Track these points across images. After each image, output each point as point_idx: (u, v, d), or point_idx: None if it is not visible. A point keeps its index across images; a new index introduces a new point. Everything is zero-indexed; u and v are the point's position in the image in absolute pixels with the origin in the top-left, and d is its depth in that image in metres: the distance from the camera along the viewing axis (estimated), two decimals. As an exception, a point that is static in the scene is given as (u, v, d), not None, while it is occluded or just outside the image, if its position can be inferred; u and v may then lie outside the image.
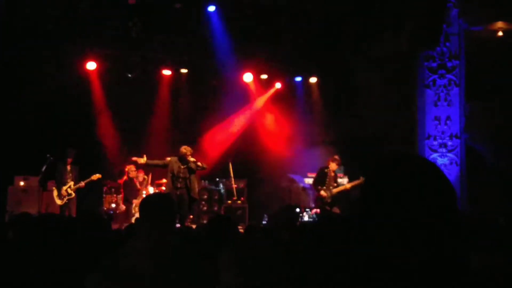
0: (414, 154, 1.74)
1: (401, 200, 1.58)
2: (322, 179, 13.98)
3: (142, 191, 15.29)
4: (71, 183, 14.04)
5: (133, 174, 15.29)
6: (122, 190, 15.48)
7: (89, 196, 14.65)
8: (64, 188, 13.96)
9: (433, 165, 1.68)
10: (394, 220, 1.57)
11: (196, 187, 13.53)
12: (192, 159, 13.15)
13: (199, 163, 13.23)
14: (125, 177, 15.40)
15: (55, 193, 14.11)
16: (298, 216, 13.37)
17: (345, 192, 13.98)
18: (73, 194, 14.07)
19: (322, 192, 13.77)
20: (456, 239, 1.59)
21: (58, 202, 13.99)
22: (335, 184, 13.96)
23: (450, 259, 1.57)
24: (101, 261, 3.23)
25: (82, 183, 14.09)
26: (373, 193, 1.65)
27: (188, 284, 3.23)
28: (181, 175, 13.18)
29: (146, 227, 3.44)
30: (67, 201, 13.99)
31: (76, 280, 3.24)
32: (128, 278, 3.11)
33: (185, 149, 13.23)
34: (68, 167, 14.10)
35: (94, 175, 14.36)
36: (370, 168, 1.73)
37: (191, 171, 13.20)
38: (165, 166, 13.41)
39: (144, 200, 3.68)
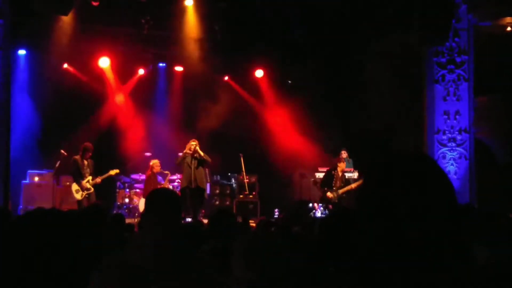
0: (412, 150, 1.75)
1: (400, 197, 1.59)
2: (328, 181, 14.15)
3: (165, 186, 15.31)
4: (89, 177, 13.95)
5: (157, 169, 15.35)
6: (144, 184, 15.44)
7: (102, 191, 14.66)
8: (83, 182, 13.94)
9: (431, 161, 1.68)
10: (393, 217, 1.59)
11: (203, 177, 13.68)
12: (194, 147, 13.34)
13: (202, 153, 13.41)
14: (148, 172, 15.48)
15: (74, 187, 14.08)
16: (309, 211, 13.54)
17: (352, 191, 14.09)
18: (92, 189, 13.93)
19: (329, 194, 13.95)
20: (457, 235, 1.61)
21: (77, 197, 13.86)
22: (342, 185, 14.10)
23: (451, 255, 1.59)
24: (106, 255, 3.21)
25: (98, 179, 13.99)
26: (372, 191, 1.67)
27: (190, 279, 3.17)
28: (193, 167, 13.39)
29: (150, 222, 3.43)
30: (86, 196, 13.88)
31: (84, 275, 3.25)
32: (131, 272, 3.08)
33: (190, 141, 13.50)
34: (86, 162, 14.05)
35: (112, 170, 14.30)
36: (369, 166, 1.74)
37: (199, 162, 13.43)
38: (180, 163, 13.67)
39: (149, 195, 3.64)
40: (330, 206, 14.10)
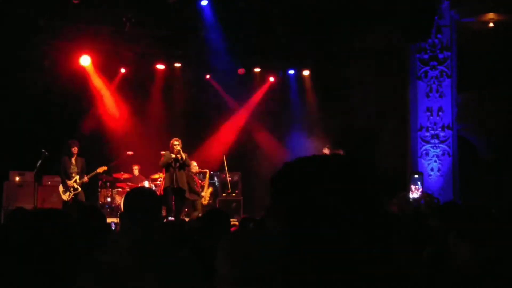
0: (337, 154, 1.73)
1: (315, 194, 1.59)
2: None
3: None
4: (77, 177, 13.75)
5: (196, 169, 15.22)
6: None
7: (84, 190, 14.47)
8: (70, 182, 13.74)
9: (350, 163, 1.66)
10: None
11: (184, 180, 13.55)
12: (177, 148, 13.20)
13: (184, 156, 13.26)
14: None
15: (60, 188, 13.87)
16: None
17: None
18: (79, 189, 13.73)
19: None
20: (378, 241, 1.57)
21: (64, 197, 13.68)
22: None
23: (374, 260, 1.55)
24: (88, 256, 3.14)
25: (86, 178, 13.81)
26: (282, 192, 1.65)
27: (168, 280, 3.13)
28: (175, 168, 13.27)
29: (128, 222, 3.39)
30: (73, 196, 13.64)
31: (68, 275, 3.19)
32: (108, 272, 3.05)
33: (172, 140, 13.37)
34: (74, 161, 13.89)
35: (100, 168, 14.14)
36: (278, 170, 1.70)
37: (180, 164, 13.30)
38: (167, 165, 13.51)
39: (126, 194, 3.60)
40: None
